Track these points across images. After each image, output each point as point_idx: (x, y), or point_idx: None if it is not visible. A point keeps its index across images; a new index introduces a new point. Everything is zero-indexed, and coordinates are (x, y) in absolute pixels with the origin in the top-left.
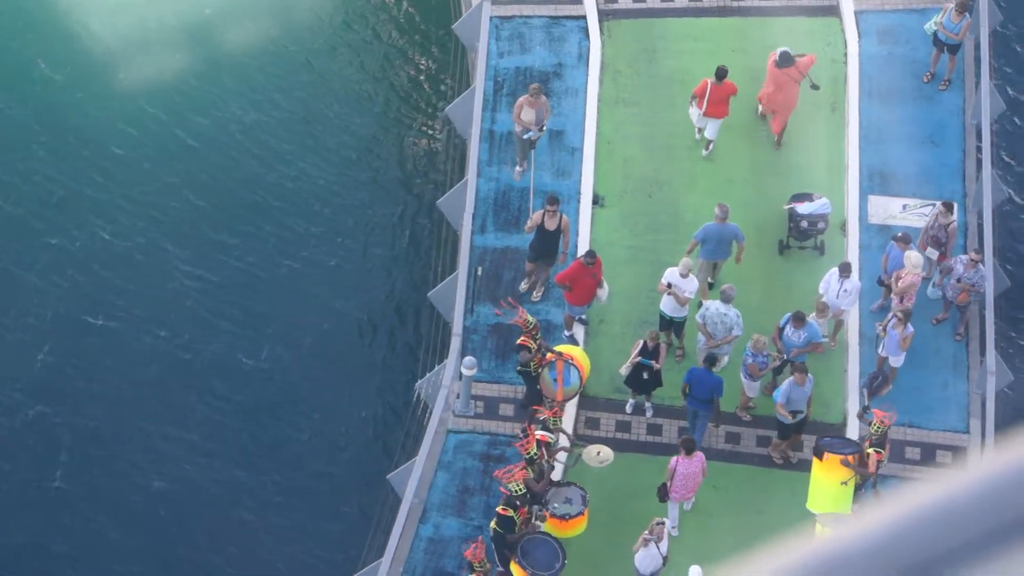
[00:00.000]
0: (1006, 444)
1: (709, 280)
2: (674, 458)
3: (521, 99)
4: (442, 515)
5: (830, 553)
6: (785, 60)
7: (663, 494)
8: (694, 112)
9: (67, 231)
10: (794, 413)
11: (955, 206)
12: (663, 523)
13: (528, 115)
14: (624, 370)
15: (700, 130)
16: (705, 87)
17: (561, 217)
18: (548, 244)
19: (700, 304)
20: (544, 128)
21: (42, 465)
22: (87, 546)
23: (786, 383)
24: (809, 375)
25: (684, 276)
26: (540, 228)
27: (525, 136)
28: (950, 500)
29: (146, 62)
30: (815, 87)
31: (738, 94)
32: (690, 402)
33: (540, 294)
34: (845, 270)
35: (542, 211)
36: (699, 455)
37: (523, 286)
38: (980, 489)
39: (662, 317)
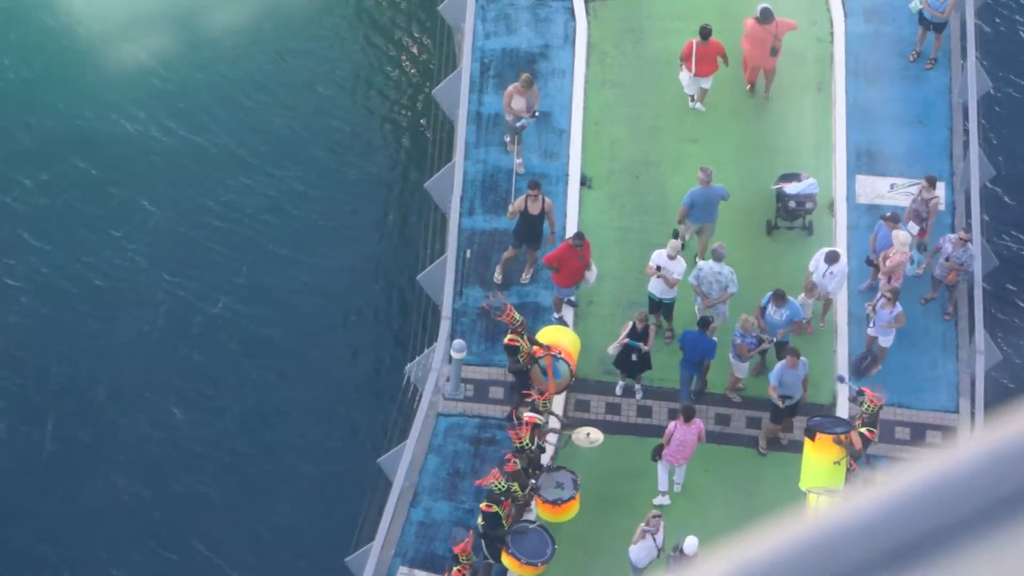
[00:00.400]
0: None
1: (698, 258)
2: (672, 422)
3: (511, 88)
4: (433, 498)
5: (801, 542)
6: (765, 16)
7: (656, 454)
8: (684, 76)
9: (56, 220)
10: (784, 398)
11: (936, 180)
12: (659, 515)
13: (519, 103)
14: (612, 350)
15: (692, 97)
16: (691, 48)
17: (544, 200)
18: (532, 228)
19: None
20: (536, 114)
21: (28, 458)
22: (71, 527)
23: (779, 366)
24: (803, 358)
25: (672, 258)
26: (523, 213)
27: (518, 124)
28: (919, 488)
29: (122, 45)
30: (774, 51)
31: (725, 63)
32: (683, 365)
33: (529, 276)
34: (832, 258)
35: (524, 196)
36: (697, 423)
37: (497, 276)
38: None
39: (651, 299)
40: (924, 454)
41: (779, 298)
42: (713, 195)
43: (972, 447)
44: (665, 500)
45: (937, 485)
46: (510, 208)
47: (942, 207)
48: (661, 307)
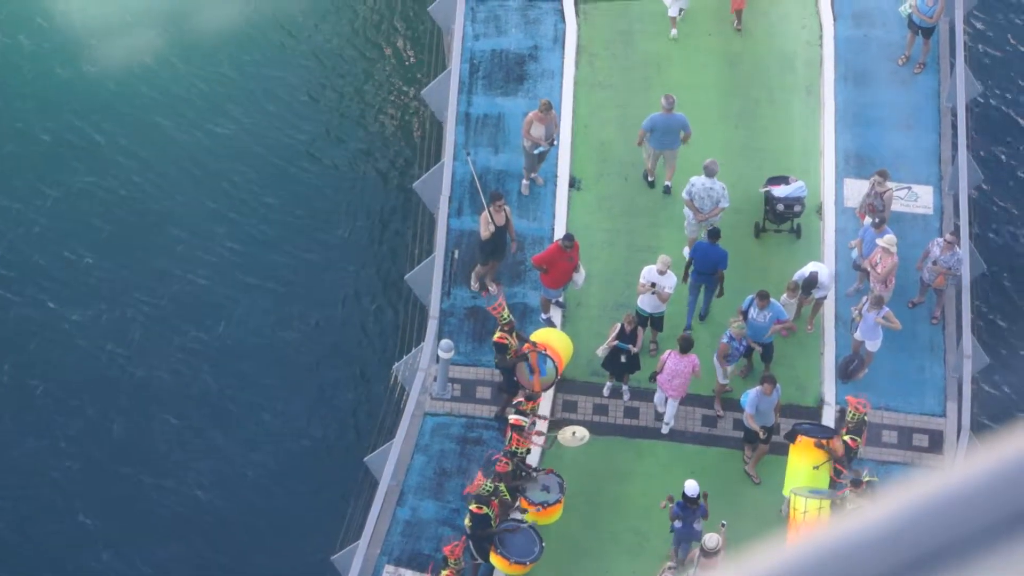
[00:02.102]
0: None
1: (667, 183)
2: (667, 351)
3: (531, 115)
4: (419, 498)
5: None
6: None
7: (653, 377)
8: None
9: (56, 213)
10: (764, 429)
11: (888, 173)
12: (672, 568)
13: (538, 131)
14: (601, 352)
15: (673, 20)
16: None
17: (506, 210)
18: (499, 242)
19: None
20: (555, 142)
21: (23, 457)
22: (62, 528)
23: (754, 392)
24: (777, 385)
25: (662, 272)
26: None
27: (536, 151)
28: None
29: (111, 41)
30: None
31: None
32: (694, 276)
33: (495, 287)
34: (810, 285)
35: (487, 212)
36: (692, 357)
37: (475, 286)
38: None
39: (639, 314)
40: (910, 457)
41: (763, 299)
42: (674, 122)
43: (971, 466)
44: (665, 430)
45: (938, 503)
46: (483, 228)
47: (923, 201)
48: (651, 320)
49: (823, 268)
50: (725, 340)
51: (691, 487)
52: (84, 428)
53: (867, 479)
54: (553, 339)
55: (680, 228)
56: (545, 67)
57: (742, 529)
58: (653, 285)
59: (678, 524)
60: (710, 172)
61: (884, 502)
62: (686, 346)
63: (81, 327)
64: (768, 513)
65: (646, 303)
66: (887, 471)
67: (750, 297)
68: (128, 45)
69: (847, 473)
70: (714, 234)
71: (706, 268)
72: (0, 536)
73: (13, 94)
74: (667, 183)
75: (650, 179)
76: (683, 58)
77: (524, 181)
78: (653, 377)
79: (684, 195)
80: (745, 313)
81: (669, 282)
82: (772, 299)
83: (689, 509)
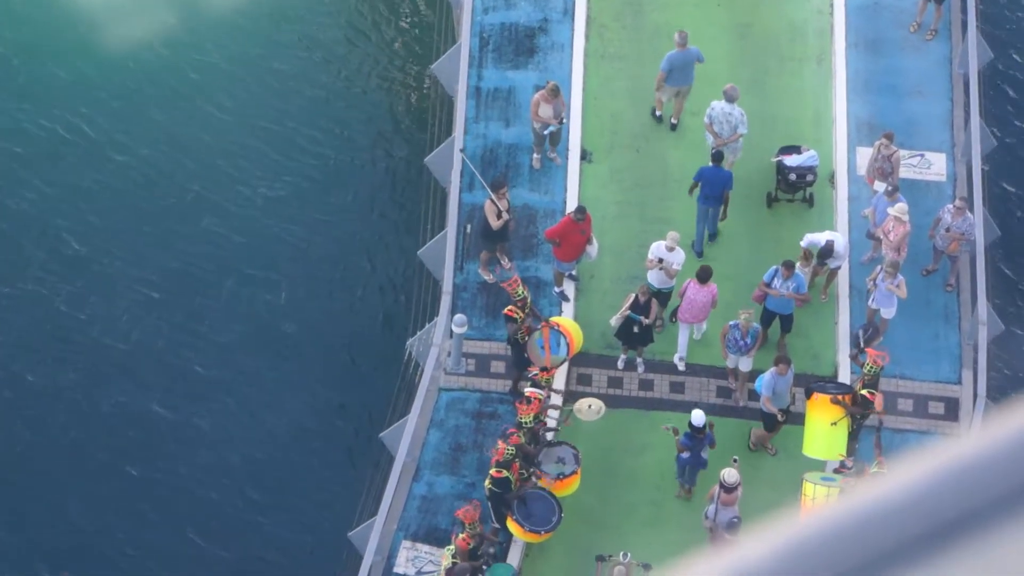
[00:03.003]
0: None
1: (673, 120)
2: (687, 281)
3: (537, 96)
4: (435, 473)
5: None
6: None
7: (673, 314)
8: None
9: (59, 209)
10: (782, 411)
11: (893, 135)
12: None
13: (545, 111)
14: (614, 321)
15: None
16: None
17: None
18: (505, 226)
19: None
20: (563, 121)
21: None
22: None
23: (769, 374)
24: (791, 365)
25: (671, 249)
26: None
27: (546, 132)
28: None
29: (113, 25)
30: None
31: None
32: (702, 201)
33: (510, 265)
34: (826, 253)
35: (491, 200)
36: (712, 286)
37: (489, 278)
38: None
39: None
40: (926, 425)
41: (788, 268)
42: (690, 56)
43: (987, 434)
44: (681, 365)
45: (956, 472)
46: (491, 218)
47: (940, 166)
48: (659, 296)
49: (839, 237)
50: (730, 327)
51: (697, 416)
52: (96, 407)
53: (878, 469)
54: (567, 324)
55: (691, 200)
56: (555, 39)
57: (759, 498)
58: (661, 261)
59: (685, 455)
60: (730, 97)
61: (900, 472)
62: (705, 276)
63: (88, 317)
64: (785, 482)
65: (654, 278)
66: (903, 439)
67: (774, 268)
68: (137, 26)
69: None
70: (717, 157)
71: (714, 191)
72: (4, 531)
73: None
74: (674, 120)
75: (657, 113)
76: (693, 28)
77: (535, 155)
78: (674, 314)
79: (705, 119)
80: (769, 284)
81: (677, 258)
82: (797, 269)
83: (696, 439)
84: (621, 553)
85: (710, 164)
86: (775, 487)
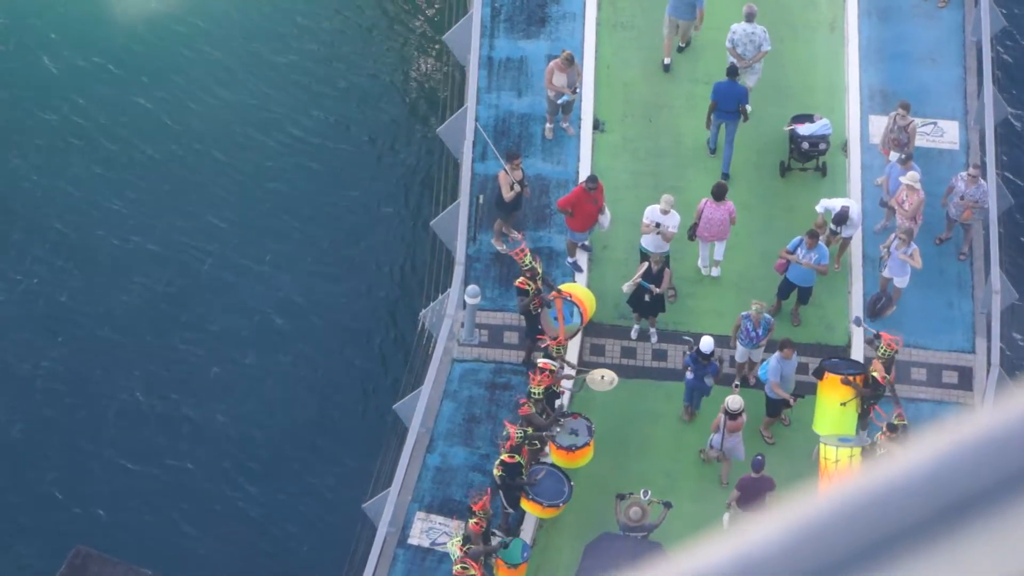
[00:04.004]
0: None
1: (680, 44)
2: (703, 200)
3: (551, 64)
4: (449, 444)
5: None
6: None
7: (692, 232)
8: None
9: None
10: (794, 396)
11: (909, 105)
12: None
13: (560, 80)
14: (627, 288)
15: None
16: None
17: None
18: (518, 196)
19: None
20: (576, 90)
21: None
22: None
23: (774, 359)
24: (795, 349)
25: (666, 212)
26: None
27: (560, 101)
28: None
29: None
30: None
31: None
32: (717, 115)
33: (519, 235)
34: (840, 219)
35: (505, 172)
36: (728, 204)
37: (501, 248)
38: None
39: (643, 253)
40: (939, 394)
41: (812, 237)
42: None
43: (1004, 408)
44: (711, 271)
45: (975, 446)
46: (504, 189)
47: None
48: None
49: (854, 204)
50: (743, 321)
51: (706, 343)
52: (112, 393)
53: (898, 422)
54: (578, 292)
55: (703, 169)
56: (567, 9)
57: (774, 469)
58: (657, 225)
59: (689, 376)
60: (750, 17)
61: (919, 447)
62: (720, 193)
63: (103, 300)
64: (799, 453)
65: (650, 243)
66: (917, 408)
67: (798, 238)
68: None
69: (883, 414)
70: (732, 71)
71: (730, 105)
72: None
73: (8, 76)
74: (681, 44)
75: (666, 61)
76: None
77: (548, 124)
78: (692, 231)
79: (727, 43)
80: (791, 252)
81: (673, 221)
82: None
83: (700, 364)
84: (641, 491)
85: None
86: (790, 456)
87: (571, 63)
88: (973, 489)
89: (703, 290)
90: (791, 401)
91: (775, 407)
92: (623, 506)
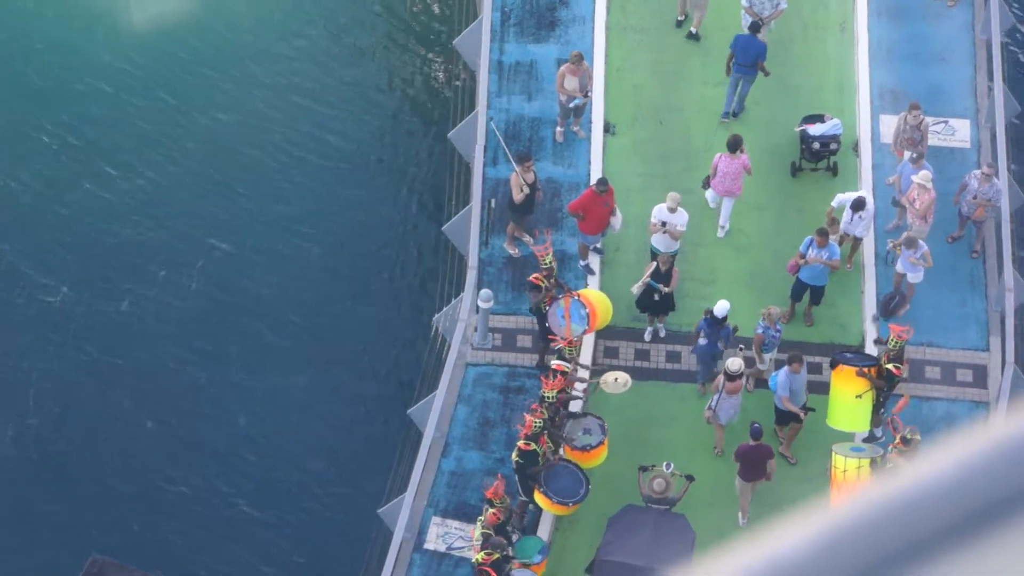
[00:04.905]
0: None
1: (692, 30)
2: (718, 155)
3: (563, 68)
4: (464, 448)
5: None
6: None
7: (706, 183)
8: None
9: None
10: (804, 409)
11: (919, 104)
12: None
13: (571, 83)
14: (635, 289)
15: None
16: None
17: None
18: (530, 199)
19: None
20: (588, 94)
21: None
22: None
23: (783, 373)
24: (804, 363)
25: (673, 211)
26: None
27: (571, 104)
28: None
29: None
30: None
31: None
32: (736, 69)
33: (532, 238)
34: (859, 205)
35: (517, 174)
36: (742, 156)
37: (514, 251)
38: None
39: (654, 253)
40: (952, 392)
41: (822, 236)
42: None
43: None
44: (720, 233)
45: (977, 464)
46: (515, 191)
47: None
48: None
49: (868, 196)
50: (760, 331)
51: (721, 307)
52: (123, 394)
53: (911, 436)
54: (594, 298)
55: None
56: (576, 12)
57: (786, 471)
58: (664, 224)
59: (703, 341)
60: None
61: (947, 452)
62: (734, 145)
63: (126, 295)
64: (812, 453)
65: (658, 242)
66: (931, 407)
67: (809, 238)
68: (162, 10)
69: (900, 424)
70: (755, 27)
71: (747, 60)
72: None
73: (17, 83)
74: (692, 29)
75: (680, 18)
76: (714, 1)
77: (558, 128)
78: (706, 182)
79: (743, 2)
80: (803, 254)
81: (681, 219)
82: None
83: (714, 328)
84: (664, 464)
85: (745, 33)
86: (802, 458)
87: (580, 61)
88: (1003, 494)
89: (715, 291)
90: (802, 415)
91: (784, 416)
92: (646, 478)
